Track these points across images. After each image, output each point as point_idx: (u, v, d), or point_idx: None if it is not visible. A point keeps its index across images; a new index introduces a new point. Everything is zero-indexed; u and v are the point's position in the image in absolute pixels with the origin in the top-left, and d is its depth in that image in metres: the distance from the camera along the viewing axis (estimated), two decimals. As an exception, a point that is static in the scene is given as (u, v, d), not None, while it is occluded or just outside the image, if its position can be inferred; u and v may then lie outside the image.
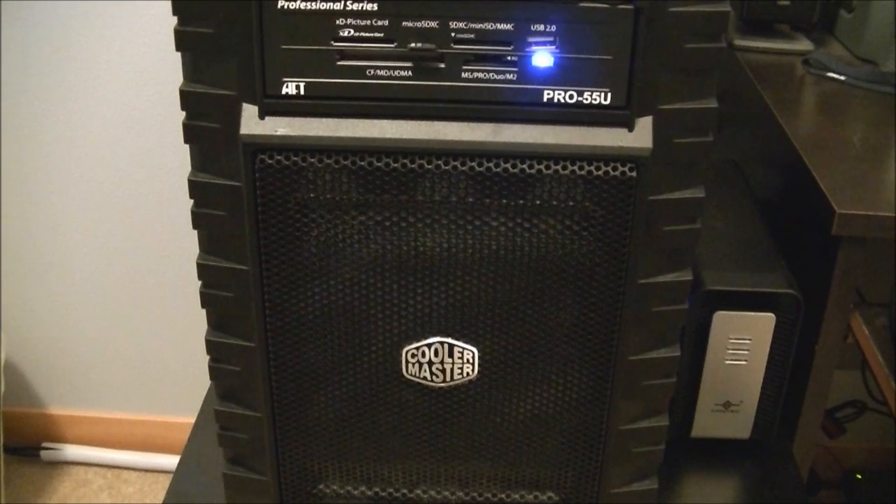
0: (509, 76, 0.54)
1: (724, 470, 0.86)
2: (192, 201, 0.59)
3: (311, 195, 0.57)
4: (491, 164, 0.56)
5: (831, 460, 1.54)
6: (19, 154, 1.52)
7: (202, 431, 0.87)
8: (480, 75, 0.54)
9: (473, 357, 0.62)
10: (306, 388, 0.64)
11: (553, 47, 0.54)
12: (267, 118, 0.55)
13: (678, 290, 0.61)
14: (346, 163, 0.56)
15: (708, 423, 0.84)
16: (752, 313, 0.78)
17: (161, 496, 1.24)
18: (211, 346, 0.64)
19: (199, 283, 0.62)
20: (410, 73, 0.54)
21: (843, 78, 1.10)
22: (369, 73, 0.54)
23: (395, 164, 0.56)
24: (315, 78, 0.55)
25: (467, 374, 0.63)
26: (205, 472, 0.82)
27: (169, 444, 1.74)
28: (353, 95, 0.55)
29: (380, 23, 0.53)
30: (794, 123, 0.97)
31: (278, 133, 0.55)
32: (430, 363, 0.62)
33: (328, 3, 0.53)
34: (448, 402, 0.64)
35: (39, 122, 1.49)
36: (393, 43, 0.54)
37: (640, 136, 0.55)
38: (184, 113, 0.56)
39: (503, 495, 0.69)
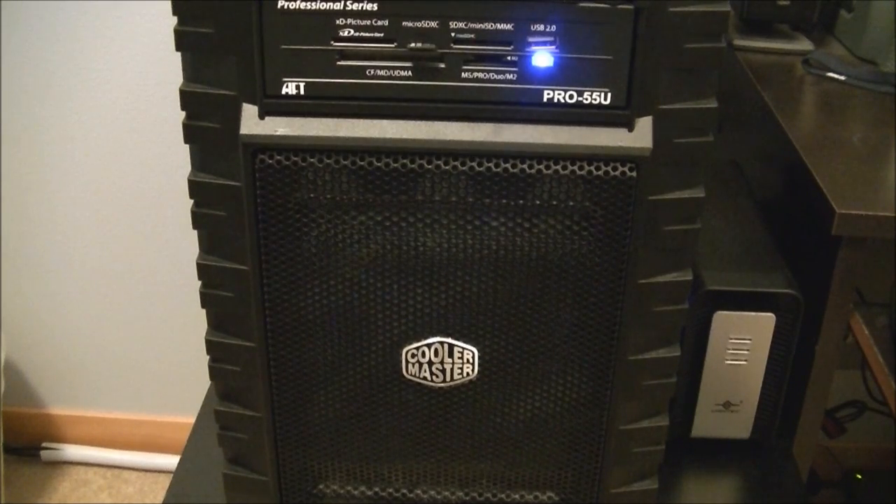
0: (509, 76, 0.54)
1: (724, 470, 0.86)
2: (192, 201, 0.59)
3: (311, 195, 0.57)
4: (491, 164, 0.56)
5: (831, 460, 1.54)
6: (19, 154, 1.52)
7: (202, 431, 0.87)
8: (480, 75, 0.54)
9: (473, 357, 0.62)
10: (306, 388, 0.64)
11: (553, 47, 0.54)
12: (267, 118, 0.55)
13: (678, 290, 0.61)
14: (346, 163, 0.56)
15: (708, 423, 0.84)
16: (752, 313, 0.78)
17: (161, 496, 1.23)
18: (211, 346, 0.64)
19: (199, 283, 0.62)
20: (410, 73, 0.54)
21: (843, 78, 1.10)
22: (369, 73, 0.54)
23: (395, 164, 0.56)
24: (315, 78, 0.55)
25: (467, 374, 0.63)
26: (205, 472, 0.82)
27: (169, 444, 1.74)
28: (353, 95, 0.55)
29: (380, 23, 0.53)
30: (794, 123, 0.97)
31: (278, 133, 0.55)
32: (430, 363, 0.62)
33: (328, 3, 0.53)
34: (448, 402, 0.64)
35: (40, 122, 1.49)
36: (393, 43, 0.54)
37: (640, 136, 0.55)
38: (184, 113, 0.56)
39: (503, 495, 0.69)
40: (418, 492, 0.69)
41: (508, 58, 0.54)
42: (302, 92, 0.55)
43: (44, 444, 1.77)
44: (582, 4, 0.53)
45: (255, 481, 0.69)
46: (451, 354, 0.62)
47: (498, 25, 0.53)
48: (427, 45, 0.53)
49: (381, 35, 0.54)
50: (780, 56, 1.18)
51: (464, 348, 0.62)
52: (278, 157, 0.56)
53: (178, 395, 1.73)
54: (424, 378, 0.63)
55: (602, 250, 0.59)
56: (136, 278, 1.62)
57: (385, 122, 0.55)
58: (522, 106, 0.55)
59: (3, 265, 1.62)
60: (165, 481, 1.72)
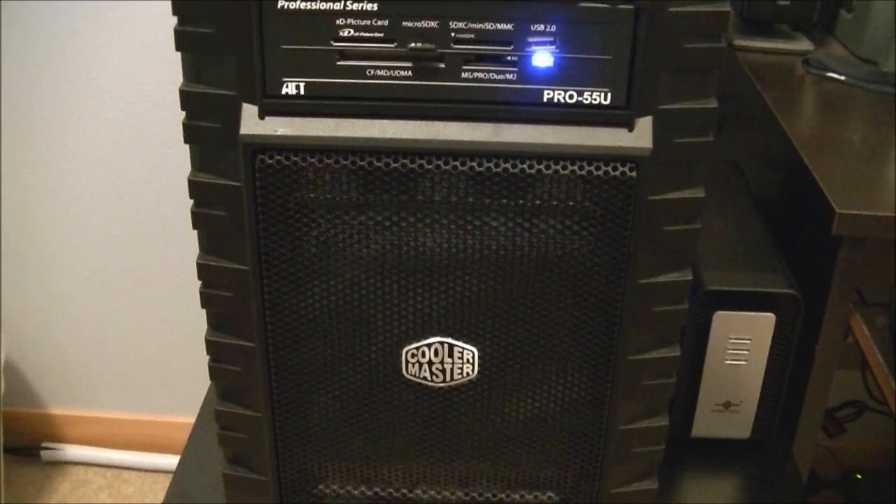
0: (509, 76, 0.54)
1: (724, 470, 0.86)
2: (192, 201, 0.59)
3: (311, 195, 0.57)
4: (491, 164, 0.56)
5: (831, 460, 1.54)
6: (19, 154, 1.52)
7: (202, 431, 0.87)
8: (480, 75, 0.54)
9: (473, 357, 0.62)
10: (306, 388, 0.64)
11: (553, 47, 0.54)
12: (267, 118, 0.55)
13: (678, 290, 0.61)
14: (346, 163, 0.56)
15: (708, 423, 0.84)
16: (752, 313, 0.78)
17: (161, 496, 1.23)
18: (211, 346, 0.64)
19: (199, 283, 0.62)
20: (410, 73, 0.54)
21: (843, 78, 1.10)
22: (369, 73, 0.54)
23: (395, 164, 0.56)
24: (315, 78, 0.55)
25: (467, 374, 0.63)
26: (205, 472, 0.82)
27: (169, 444, 1.74)
28: (353, 95, 0.55)
29: (380, 23, 0.53)
30: (794, 123, 0.97)
31: (278, 133, 0.55)
32: (430, 363, 0.62)
33: (328, 3, 0.53)
34: (448, 402, 0.64)
35: (39, 121, 1.49)
36: (393, 43, 0.54)
37: (640, 136, 0.55)
38: (184, 113, 0.56)
39: (503, 495, 0.69)
40: (418, 492, 0.69)
41: (508, 58, 0.54)
42: (302, 92, 0.55)
43: (44, 444, 1.77)
44: (582, 4, 0.53)
45: (255, 481, 0.69)
46: (451, 354, 0.62)
47: (498, 25, 0.53)
48: (427, 45, 0.53)
49: (381, 35, 0.54)
50: (780, 56, 1.18)
51: (464, 348, 0.62)
52: (278, 157, 0.56)
53: (178, 395, 1.73)
54: (424, 378, 0.63)
55: (602, 250, 0.59)
56: (136, 278, 1.62)
57: (385, 122, 0.55)
58: (522, 106, 0.55)
59: (3, 265, 1.62)
60: (165, 481, 1.72)
